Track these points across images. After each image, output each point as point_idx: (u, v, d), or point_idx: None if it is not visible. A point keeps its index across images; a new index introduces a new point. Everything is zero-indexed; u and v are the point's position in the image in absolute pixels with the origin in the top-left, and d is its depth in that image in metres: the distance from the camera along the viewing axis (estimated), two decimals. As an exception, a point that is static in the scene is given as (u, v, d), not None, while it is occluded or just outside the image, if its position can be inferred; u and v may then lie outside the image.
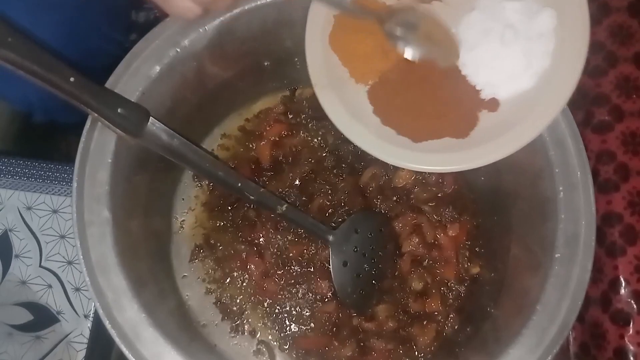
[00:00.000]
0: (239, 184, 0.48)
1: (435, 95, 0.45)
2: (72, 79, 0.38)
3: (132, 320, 0.40)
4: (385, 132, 0.45)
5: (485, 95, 0.44)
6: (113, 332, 0.39)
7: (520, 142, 0.42)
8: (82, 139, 0.43)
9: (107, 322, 0.39)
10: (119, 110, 0.41)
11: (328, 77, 0.45)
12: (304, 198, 0.57)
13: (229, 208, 0.57)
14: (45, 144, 0.76)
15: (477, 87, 0.44)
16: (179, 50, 0.46)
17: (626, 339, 0.43)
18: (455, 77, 0.44)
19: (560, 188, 0.45)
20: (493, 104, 0.44)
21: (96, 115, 0.40)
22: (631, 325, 0.44)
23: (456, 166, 0.43)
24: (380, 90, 0.46)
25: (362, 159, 0.58)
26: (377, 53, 0.46)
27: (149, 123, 0.42)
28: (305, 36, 0.45)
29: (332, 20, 0.45)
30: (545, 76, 0.42)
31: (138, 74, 0.45)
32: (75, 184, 0.42)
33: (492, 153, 0.42)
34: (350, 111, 0.44)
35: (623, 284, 0.45)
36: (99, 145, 0.43)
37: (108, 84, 0.44)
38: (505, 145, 0.42)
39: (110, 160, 0.43)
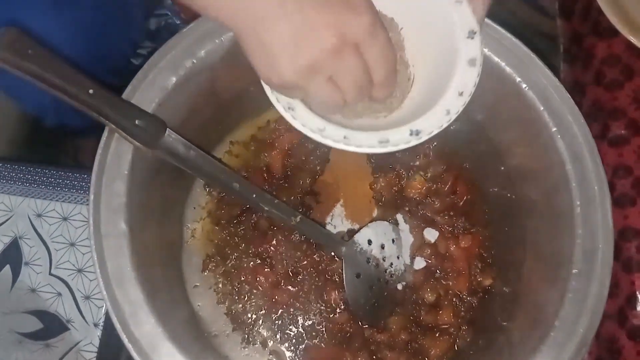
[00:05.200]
0: (254, 195, 0.48)
1: None
2: (91, 91, 0.38)
3: (148, 334, 0.40)
4: None
5: None
6: (130, 347, 0.39)
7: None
8: (99, 150, 0.42)
9: (125, 336, 0.39)
10: (136, 122, 0.40)
11: None
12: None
13: (240, 218, 0.57)
14: (54, 148, 0.76)
15: None
16: (195, 61, 0.46)
17: (644, 356, 0.43)
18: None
19: (577, 202, 0.45)
20: None
21: (113, 126, 0.40)
22: (648, 342, 0.44)
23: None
24: None
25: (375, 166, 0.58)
26: None
27: (165, 134, 0.42)
28: None
29: None
30: None
31: (154, 85, 0.44)
32: (92, 196, 0.41)
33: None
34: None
35: (640, 300, 0.45)
36: (116, 156, 0.43)
37: (125, 95, 0.43)
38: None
39: (126, 172, 0.43)
